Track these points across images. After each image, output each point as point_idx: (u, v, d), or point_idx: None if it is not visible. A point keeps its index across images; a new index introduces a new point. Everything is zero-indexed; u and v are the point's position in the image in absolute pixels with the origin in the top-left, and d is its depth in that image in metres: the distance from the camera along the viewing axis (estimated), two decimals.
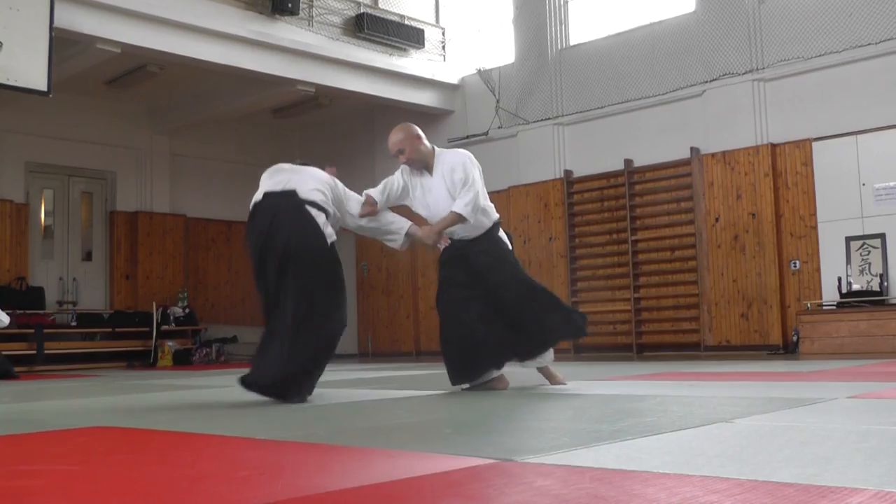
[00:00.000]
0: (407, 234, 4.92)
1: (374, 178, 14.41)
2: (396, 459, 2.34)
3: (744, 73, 10.39)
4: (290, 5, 11.35)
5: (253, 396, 4.40)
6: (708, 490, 1.73)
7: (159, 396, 5.45)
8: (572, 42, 12.26)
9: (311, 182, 4.67)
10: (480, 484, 1.91)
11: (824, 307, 9.51)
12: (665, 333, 11.07)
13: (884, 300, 9.14)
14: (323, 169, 4.94)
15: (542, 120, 12.22)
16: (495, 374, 4.82)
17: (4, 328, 9.53)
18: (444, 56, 13.67)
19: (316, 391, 5.43)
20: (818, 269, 9.83)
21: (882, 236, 9.37)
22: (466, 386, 4.87)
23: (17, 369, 9.37)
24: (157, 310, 12.64)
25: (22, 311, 11.59)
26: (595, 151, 11.68)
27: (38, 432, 3.41)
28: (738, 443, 2.45)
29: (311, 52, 11.70)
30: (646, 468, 2.01)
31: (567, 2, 12.40)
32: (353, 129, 14.75)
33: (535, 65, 12.41)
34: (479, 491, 1.83)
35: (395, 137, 4.95)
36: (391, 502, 1.77)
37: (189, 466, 2.41)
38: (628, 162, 11.32)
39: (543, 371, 4.99)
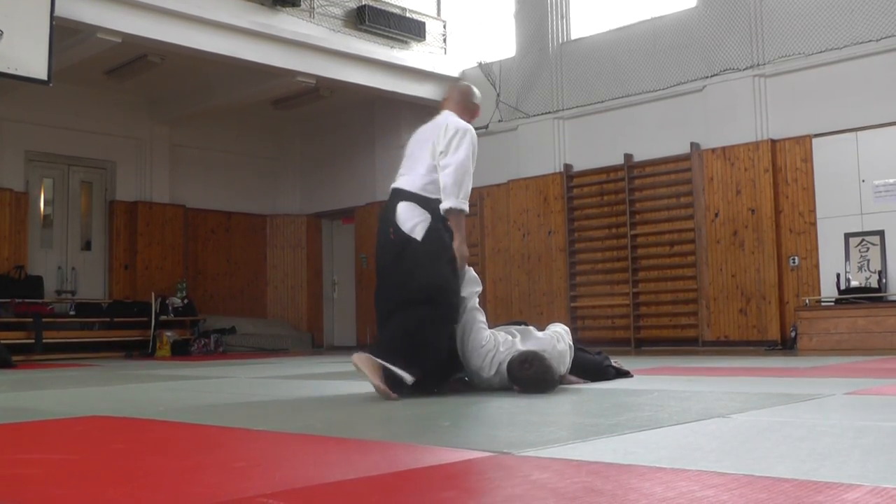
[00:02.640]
0: None
1: (375, 171, 14.55)
2: (394, 452, 2.34)
3: (744, 69, 10.38)
4: None
5: (255, 389, 4.39)
6: (705, 485, 1.73)
7: (157, 387, 5.46)
8: (573, 36, 12.24)
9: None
10: (477, 477, 1.91)
11: (823, 303, 9.51)
12: (663, 328, 11.08)
13: (882, 297, 9.14)
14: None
15: (542, 114, 12.21)
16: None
17: None
18: (445, 49, 13.65)
19: (313, 383, 5.44)
20: (817, 266, 9.83)
21: (881, 233, 9.38)
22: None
23: (14, 358, 9.37)
24: (155, 300, 12.64)
25: (20, 300, 11.59)
26: (595, 146, 11.68)
27: (36, 421, 3.42)
28: (736, 438, 2.45)
29: (311, 44, 11.67)
30: (643, 462, 2.02)
31: None
32: (354, 121, 14.74)
33: (535, 58, 12.39)
34: (476, 483, 1.83)
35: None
36: (388, 494, 1.77)
37: (186, 457, 2.41)
38: (628, 156, 11.32)
39: None
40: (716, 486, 1.71)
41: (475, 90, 4.69)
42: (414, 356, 4.01)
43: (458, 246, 4.21)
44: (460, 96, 4.60)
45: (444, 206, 4.17)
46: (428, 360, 4.06)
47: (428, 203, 4.22)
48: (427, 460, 2.16)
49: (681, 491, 1.68)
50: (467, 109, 4.56)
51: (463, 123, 4.36)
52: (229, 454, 2.43)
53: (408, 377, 3.96)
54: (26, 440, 2.87)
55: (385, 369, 3.94)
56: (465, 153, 4.22)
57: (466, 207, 4.21)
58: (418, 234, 4.17)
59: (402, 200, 4.26)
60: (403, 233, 4.19)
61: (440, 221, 4.22)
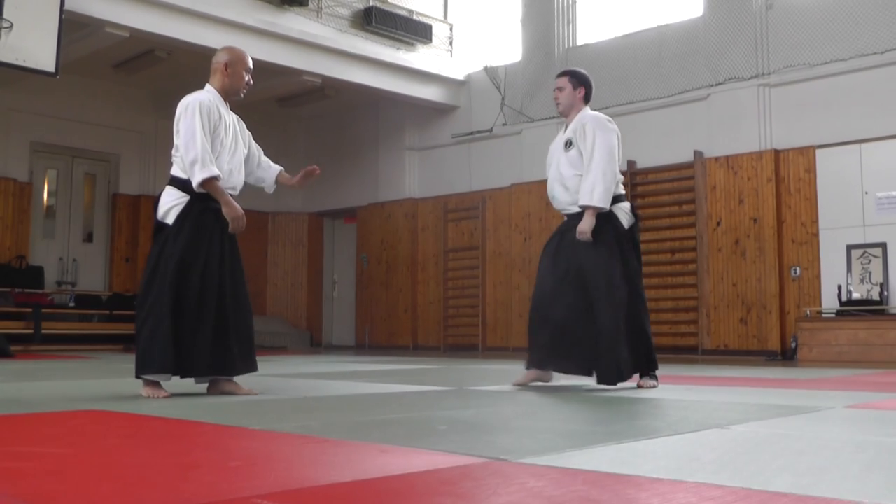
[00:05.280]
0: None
1: (378, 172, 14.56)
2: (389, 455, 2.33)
3: (749, 78, 10.38)
4: None
5: (253, 387, 4.38)
6: (702, 497, 1.72)
7: None
8: (579, 42, 12.25)
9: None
10: (473, 483, 1.90)
11: (824, 315, 9.50)
12: (663, 336, 11.05)
13: (883, 310, 9.13)
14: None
15: (546, 118, 12.19)
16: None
17: None
18: (451, 52, 13.66)
19: (312, 382, 5.44)
20: (818, 277, 9.82)
21: (883, 245, 9.36)
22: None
23: (13, 348, 9.37)
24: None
25: (20, 290, 11.59)
26: None
27: (32, 413, 3.41)
28: (734, 449, 2.44)
29: (318, 44, 11.68)
30: (640, 472, 2.00)
31: (575, 2, 12.38)
32: (358, 121, 14.74)
33: (541, 64, 12.39)
34: (471, 490, 1.82)
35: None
36: (383, 498, 1.76)
37: (182, 454, 2.41)
38: (631, 163, 11.31)
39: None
40: (713, 499, 1.70)
41: (220, 51, 4.58)
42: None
43: (226, 211, 4.11)
44: (214, 66, 4.50)
45: (193, 183, 4.08)
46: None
47: (185, 185, 4.15)
48: (422, 465, 2.15)
49: (678, 502, 1.67)
50: (223, 74, 4.45)
51: (188, 98, 4.26)
52: (225, 453, 2.42)
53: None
54: (22, 433, 2.86)
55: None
56: (186, 126, 4.12)
57: (209, 173, 4.05)
58: (170, 219, 4.12)
59: (167, 185, 4.24)
60: (157, 219, 4.19)
61: (205, 202, 4.13)
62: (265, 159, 4.64)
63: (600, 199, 4.59)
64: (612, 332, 4.56)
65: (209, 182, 4.06)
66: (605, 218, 4.68)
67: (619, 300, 4.65)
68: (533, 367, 4.84)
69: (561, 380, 4.99)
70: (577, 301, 4.60)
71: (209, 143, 4.13)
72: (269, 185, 4.65)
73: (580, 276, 4.62)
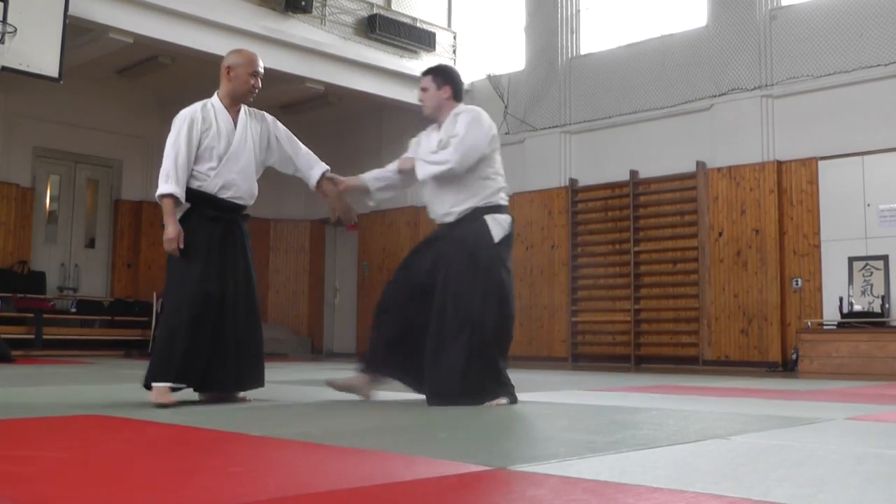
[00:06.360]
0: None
1: None
2: (389, 462, 2.33)
3: (752, 89, 10.39)
4: (303, 3, 11.37)
5: (253, 393, 4.38)
6: None
7: None
8: (583, 51, 12.26)
9: None
10: (472, 491, 1.90)
11: (825, 326, 9.49)
12: (664, 346, 11.05)
13: (885, 322, 9.12)
14: None
15: (549, 127, 12.21)
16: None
17: None
18: (455, 60, 13.67)
19: (312, 389, 5.43)
20: (820, 288, 9.81)
21: (885, 258, 9.36)
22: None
23: (14, 353, 9.37)
24: (157, 300, 12.63)
25: (22, 295, 11.60)
26: (601, 161, 11.68)
27: (33, 418, 3.41)
28: (733, 460, 2.44)
29: (321, 51, 11.70)
30: (639, 482, 2.01)
31: (579, 11, 12.40)
32: (361, 129, 14.75)
33: (544, 72, 12.41)
34: (470, 498, 1.82)
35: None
36: None
37: (182, 459, 2.41)
38: (634, 173, 11.32)
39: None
40: None
41: (227, 55, 4.48)
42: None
43: (165, 231, 4.13)
44: (221, 70, 4.41)
45: (156, 195, 4.19)
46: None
47: (185, 195, 4.23)
48: (422, 472, 2.15)
49: None
50: (226, 78, 4.38)
51: (181, 113, 4.29)
52: (225, 458, 2.43)
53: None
54: (23, 437, 2.86)
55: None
56: (168, 140, 4.23)
57: (163, 190, 4.12)
58: None
59: None
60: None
61: (202, 210, 4.23)
62: (304, 155, 4.60)
63: (425, 174, 4.45)
64: (458, 353, 4.32)
65: (163, 198, 4.14)
66: (478, 226, 4.39)
67: (478, 318, 4.46)
68: (368, 371, 4.49)
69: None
70: (425, 311, 4.36)
71: (190, 158, 4.20)
72: (310, 184, 4.63)
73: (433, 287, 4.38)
